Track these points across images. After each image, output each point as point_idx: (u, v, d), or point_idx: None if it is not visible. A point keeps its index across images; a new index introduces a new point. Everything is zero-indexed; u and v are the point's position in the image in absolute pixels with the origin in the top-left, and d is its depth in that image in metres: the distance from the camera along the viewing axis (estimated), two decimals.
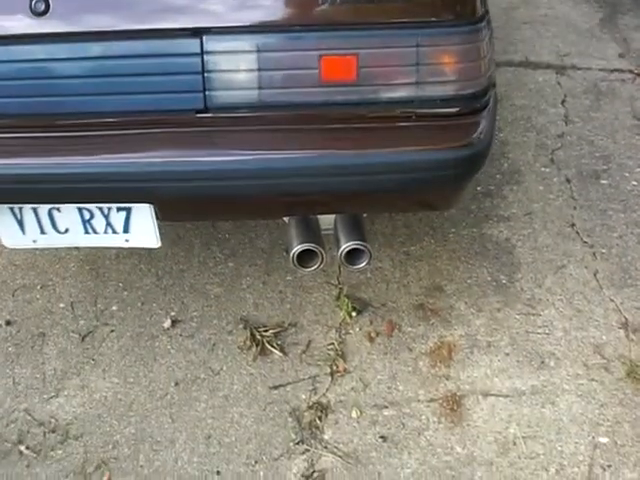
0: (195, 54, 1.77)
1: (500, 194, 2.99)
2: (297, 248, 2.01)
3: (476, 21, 1.81)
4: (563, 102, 3.58)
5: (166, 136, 1.83)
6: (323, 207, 2.02)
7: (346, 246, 2.02)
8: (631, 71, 3.86)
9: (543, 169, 3.13)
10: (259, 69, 1.77)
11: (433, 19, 1.77)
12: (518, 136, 3.32)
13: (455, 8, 1.80)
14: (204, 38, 1.76)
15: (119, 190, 1.86)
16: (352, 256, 2.05)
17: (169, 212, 1.99)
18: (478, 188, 2.99)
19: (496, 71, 3.68)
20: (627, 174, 3.11)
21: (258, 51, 1.76)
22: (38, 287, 2.66)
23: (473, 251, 2.73)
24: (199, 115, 1.82)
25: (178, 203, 1.94)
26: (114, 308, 2.57)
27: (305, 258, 2.05)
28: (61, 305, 2.59)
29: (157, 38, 1.77)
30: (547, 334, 2.43)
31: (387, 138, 1.83)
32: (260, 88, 1.79)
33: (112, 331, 2.49)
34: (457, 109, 1.85)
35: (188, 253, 2.76)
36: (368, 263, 2.07)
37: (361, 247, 2.02)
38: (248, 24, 1.76)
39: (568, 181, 3.07)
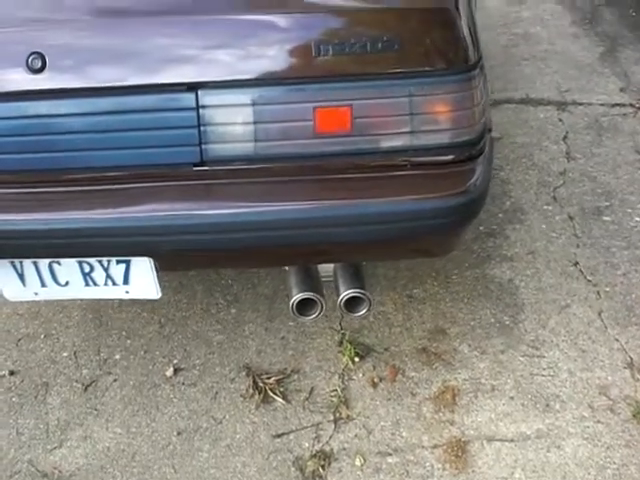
0: (190, 108, 1.78)
1: (503, 233, 2.99)
2: (296, 297, 2.02)
3: (469, 68, 1.82)
4: (565, 138, 3.58)
5: (163, 190, 1.84)
6: (320, 257, 2.02)
7: (345, 294, 2.02)
8: (632, 105, 3.87)
9: (545, 207, 3.13)
10: (254, 122, 1.79)
11: (425, 68, 1.78)
12: (520, 174, 3.33)
13: (447, 56, 1.81)
14: (199, 92, 1.77)
15: (117, 245, 1.86)
16: (352, 304, 2.06)
17: (168, 264, 2.00)
18: (480, 228, 2.99)
19: (497, 108, 3.73)
20: (630, 210, 3.11)
21: (253, 104, 1.77)
22: (42, 336, 2.67)
23: (476, 292, 2.72)
24: (196, 168, 1.84)
25: (177, 256, 1.94)
26: (117, 357, 2.57)
27: (305, 307, 2.05)
28: (64, 354, 2.60)
29: (152, 93, 1.78)
30: (552, 376, 2.41)
31: (383, 188, 1.83)
32: (256, 141, 1.80)
33: (115, 380, 2.49)
34: (452, 157, 1.85)
35: (191, 300, 2.76)
36: (368, 310, 2.08)
37: (360, 295, 2.02)
38: (242, 78, 1.77)
39: (571, 218, 3.06)
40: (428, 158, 1.84)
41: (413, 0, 1.81)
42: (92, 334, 2.66)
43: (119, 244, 1.86)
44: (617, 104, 3.88)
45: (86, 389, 2.47)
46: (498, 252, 2.90)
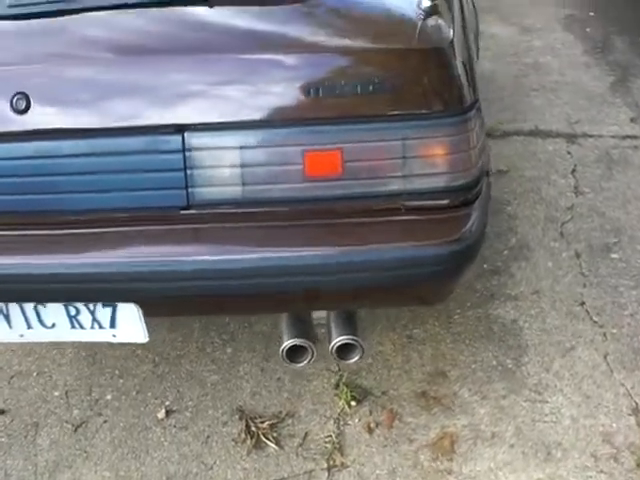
0: (177, 151, 1.74)
1: (507, 271, 2.91)
2: (287, 343, 1.96)
3: (465, 111, 1.77)
4: (573, 172, 3.50)
5: (149, 234, 1.81)
6: (309, 305, 1.97)
7: (337, 341, 1.97)
8: None
9: (552, 243, 3.05)
10: (242, 165, 1.74)
11: (419, 110, 1.74)
12: (527, 209, 3.25)
13: (442, 98, 1.76)
14: (186, 135, 1.73)
15: (102, 291, 1.82)
16: (344, 350, 2.00)
17: (154, 310, 1.94)
18: (485, 266, 2.91)
19: (506, 140, 3.67)
20: (639, 247, 3.03)
21: (241, 147, 1.73)
22: (34, 374, 2.62)
23: (478, 334, 2.64)
24: (182, 212, 1.79)
25: (163, 303, 1.89)
26: (108, 397, 2.51)
27: (296, 352, 2.00)
28: (56, 393, 2.54)
29: (138, 135, 1.75)
30: (554, 422, 2.33)
31: (375, 233, 1.78)
32: (244, 184, 1.76)
33: (105, 422, 2.43)
34: (447, 201, 1.80)
35: (186, 338, 2.69)
36: (360, 358, 2.03)
37: (353, 342, 1.96)
38: (229, 120, 1.73)
39: (578, 256, 2.98)
40: (422, 202, 1.79)
41: (407, 40, 1.76)
42: (85, 372, 2.60)
43: (104, 290, 1.82)
44: (628, 136, 3.79)
45: (76, 430, 2.41)
46: (502, 291, 2.82)
